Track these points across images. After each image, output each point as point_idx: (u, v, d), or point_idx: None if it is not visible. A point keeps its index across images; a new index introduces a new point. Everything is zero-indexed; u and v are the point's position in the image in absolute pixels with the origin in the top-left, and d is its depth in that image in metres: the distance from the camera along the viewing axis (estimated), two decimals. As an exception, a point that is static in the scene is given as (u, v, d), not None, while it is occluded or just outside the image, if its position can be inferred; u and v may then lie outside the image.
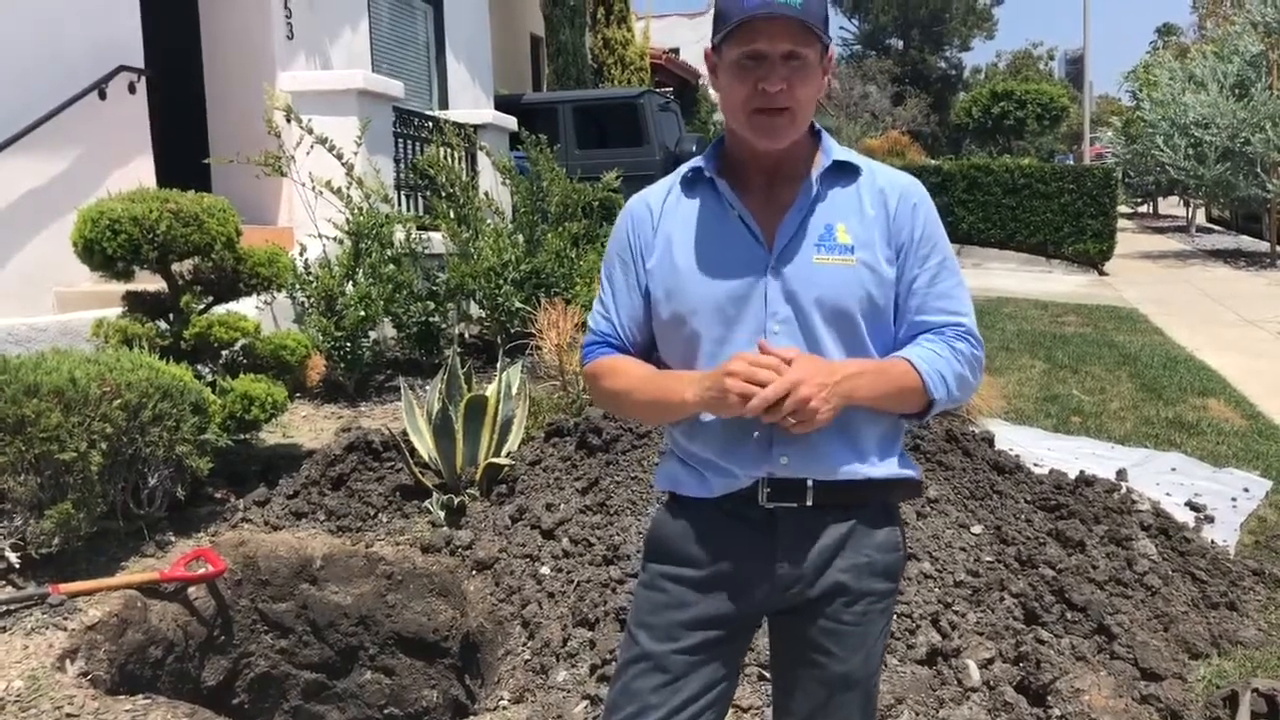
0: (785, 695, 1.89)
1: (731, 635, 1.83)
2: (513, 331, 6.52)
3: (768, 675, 2.99)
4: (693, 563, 1.80)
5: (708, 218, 1.77)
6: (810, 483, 1.72)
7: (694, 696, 1.78)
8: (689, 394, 1.67)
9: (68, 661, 3.06)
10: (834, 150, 1.78)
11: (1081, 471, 4.51)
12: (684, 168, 1.83)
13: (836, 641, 1.78)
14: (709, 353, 1.73)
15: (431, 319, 6.58)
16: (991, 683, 3.06)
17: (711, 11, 1.77)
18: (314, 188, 6.17)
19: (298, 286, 6.02)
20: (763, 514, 1.75)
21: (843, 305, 1.71)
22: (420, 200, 8.48)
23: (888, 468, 1.77)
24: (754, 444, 1.72)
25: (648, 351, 1.86)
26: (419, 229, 6.92)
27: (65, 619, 3.22)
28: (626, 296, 1.83)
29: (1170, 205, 29.11)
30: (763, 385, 1.57)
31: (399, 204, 7.84)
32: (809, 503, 1.73)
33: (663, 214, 1.81)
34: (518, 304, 6.55)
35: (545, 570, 3.61)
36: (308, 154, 6.23)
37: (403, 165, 8.40)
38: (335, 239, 6.33)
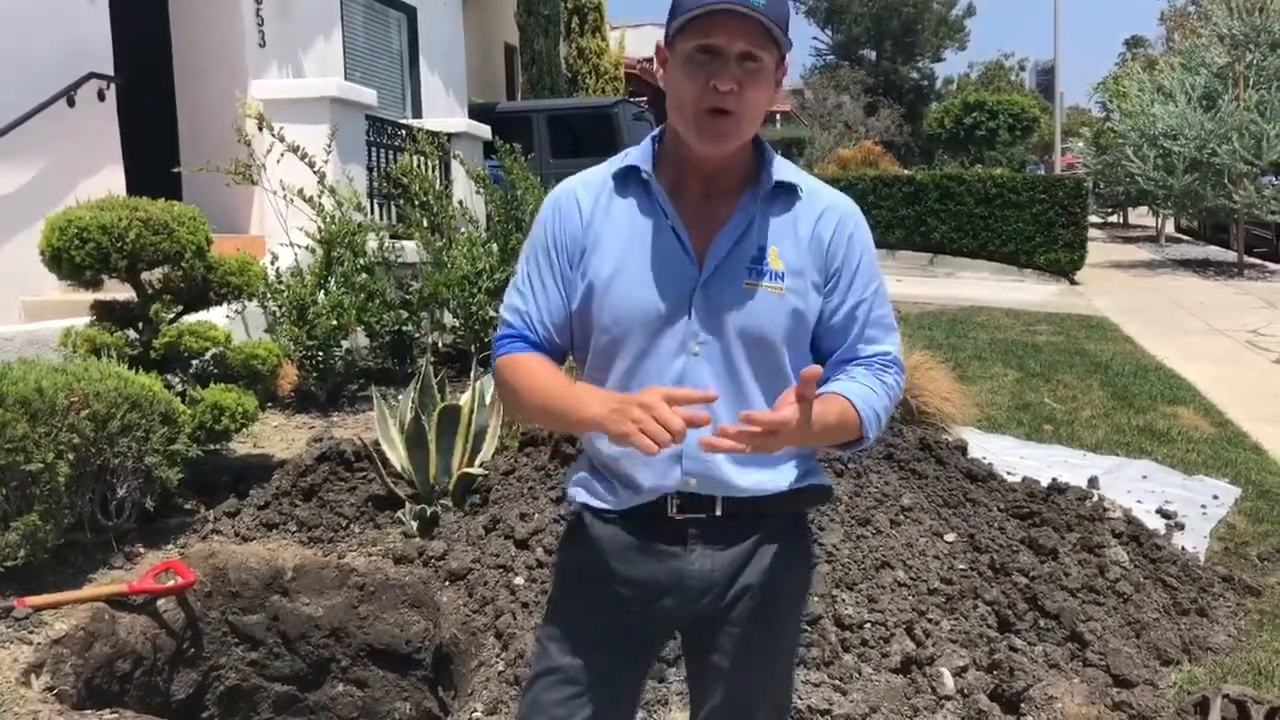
0: (696, 709, 1.88)
1: (643, 646, 1.82)
2: (486, 340, 6.49)
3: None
4: (603, 578, 1.76)
5: (641, 225, 1.68)
6: (720, 498, 1.70)
7: (602, 710, 1.76)
8: (595, 411, 1.54)
9: (33, 676, 3.01)
10: (777, 168, 1.69)
11: (1054, 479, 4.54)
12: (615, 161, 1.72)
13: (743, 652, 1.76)
14: (627, 366, 1.68)
15: (404, 328, 6.54)
16: (965, 691, 3.07)
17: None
18: (286, 196, 6.13)
19: (269, 295, 5.97)
20: (670, 525, 1.71)
21: (766, 334, 1.65)
22: (394, 209, 8.43)
23: (797, 478, 1.73)
24: (662, 461, 1.65)
25: (562, 354, 1.77)
26: (392, 237, 6.88)
27: (31, 633, 3.17)
28: (545, 295, 1.72)
29: (1140, 215, 29.41)
30: (672, 430, 1.43)
31: (372, 212, 7.80)
32: (718, 513, 1.71)
33: (594, 212, 1.70)
34: (492, 313, 6.52)
35: (519, 581, 3.58)
36: (279, 162, 6.19)
37: (376, 174, 8.36)
38: (307, 247, 6.28)
